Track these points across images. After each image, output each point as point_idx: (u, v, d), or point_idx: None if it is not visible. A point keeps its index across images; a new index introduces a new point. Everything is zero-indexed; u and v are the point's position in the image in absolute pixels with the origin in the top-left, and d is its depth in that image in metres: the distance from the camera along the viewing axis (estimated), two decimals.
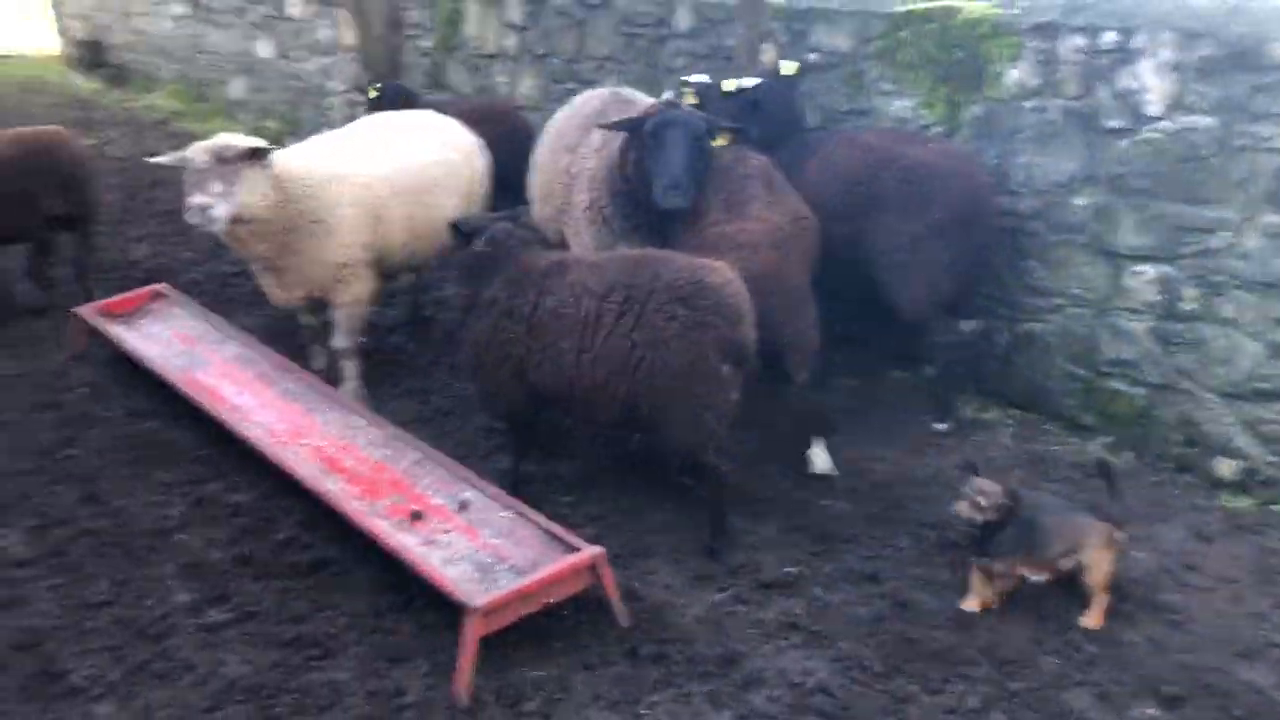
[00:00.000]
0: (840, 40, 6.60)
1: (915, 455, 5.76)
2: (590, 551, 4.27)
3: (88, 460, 5.58)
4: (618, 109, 6.08)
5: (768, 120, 6.08)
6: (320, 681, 4.05)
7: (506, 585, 4.17)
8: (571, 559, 4.24)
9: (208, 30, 12.91)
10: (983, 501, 4.31)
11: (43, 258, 7.45)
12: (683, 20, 7.48)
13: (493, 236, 5.03)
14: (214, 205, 5.23)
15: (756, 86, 6.09)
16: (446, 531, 4.63)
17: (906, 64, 6.27)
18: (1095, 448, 5.75)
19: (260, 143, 5.44)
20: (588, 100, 6.47)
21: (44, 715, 3.89)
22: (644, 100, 6.10)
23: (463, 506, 4.73)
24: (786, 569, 4.73)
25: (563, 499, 5.25)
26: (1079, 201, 5.73)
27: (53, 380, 6.49)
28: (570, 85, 8.00)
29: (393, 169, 6.12)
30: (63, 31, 15.56)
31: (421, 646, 4.24)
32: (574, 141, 6.24)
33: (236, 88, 12.44)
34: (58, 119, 9.44)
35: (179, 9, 13.33)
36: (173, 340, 6.49)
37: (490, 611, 3.97)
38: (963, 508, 4.37)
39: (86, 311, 6.69)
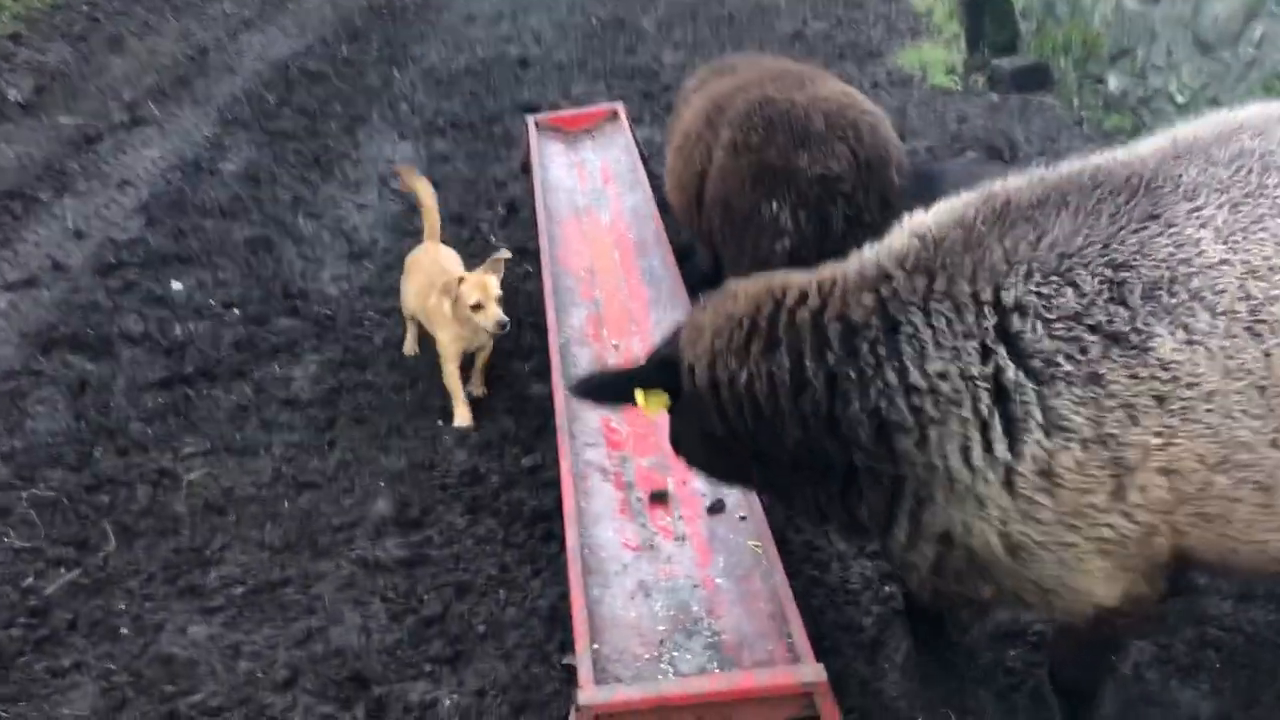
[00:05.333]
0: None
1: None
2: (799, 674, 2.61)
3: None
4: None
5: None
6: None
7: (681, 666, 2.76)
8: (769, 676, 2.62)
9: None
10: None
11: None
12: None
13: None
14: None
15: None
16: (679, 539, 3.25)
17: None
18: None
19: None
20: None
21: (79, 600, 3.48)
22: None
23: (715, 508, 3.29)
24: None
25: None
26: None
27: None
28: None
29: None
30: None
31: None
32: None
33: None
34: None
35: None
36: (596, 172, 5.59)
37: (609, 717, 2.59)
38: None
39: (536, 120, 6.01)
